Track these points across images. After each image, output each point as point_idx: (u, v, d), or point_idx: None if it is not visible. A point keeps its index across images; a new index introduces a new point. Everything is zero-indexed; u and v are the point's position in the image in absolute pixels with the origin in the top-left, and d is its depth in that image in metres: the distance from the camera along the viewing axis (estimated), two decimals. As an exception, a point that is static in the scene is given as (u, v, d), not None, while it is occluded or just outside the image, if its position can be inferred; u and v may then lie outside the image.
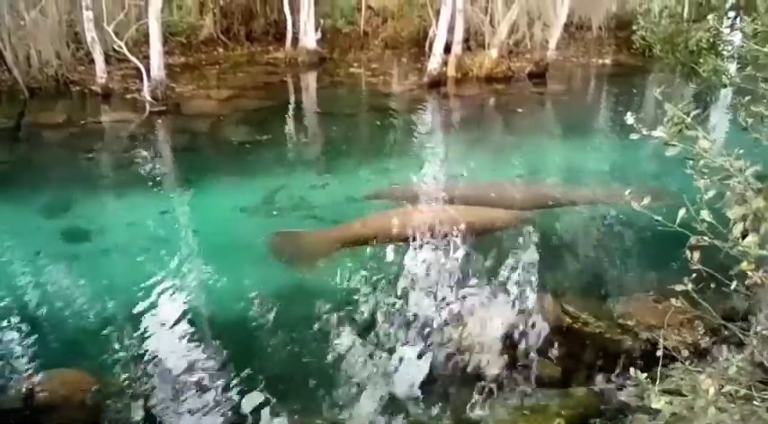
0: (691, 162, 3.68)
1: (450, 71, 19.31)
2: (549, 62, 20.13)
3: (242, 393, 6.65)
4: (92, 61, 17.36)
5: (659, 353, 4.21)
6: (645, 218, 3.96)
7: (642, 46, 8.03)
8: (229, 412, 6.45)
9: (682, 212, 3.62)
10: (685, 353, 4.62)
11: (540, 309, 7.98)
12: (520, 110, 17.40)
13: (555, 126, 16.67)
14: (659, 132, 3.61)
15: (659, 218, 3.75)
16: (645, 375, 3.60)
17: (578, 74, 21.50)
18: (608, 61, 22.29)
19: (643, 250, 9.42)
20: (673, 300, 4.05)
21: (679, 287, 3.93)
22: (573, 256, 9.59)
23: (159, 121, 15.73)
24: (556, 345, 7.45)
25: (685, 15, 10.85)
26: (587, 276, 9.13)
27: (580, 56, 22.67)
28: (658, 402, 3.37)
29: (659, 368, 3.82)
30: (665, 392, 3.74)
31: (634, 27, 7.94)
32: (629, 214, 9.96)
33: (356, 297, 8.35)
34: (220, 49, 22.16)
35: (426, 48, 20.49)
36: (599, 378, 6.90)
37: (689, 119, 3.58)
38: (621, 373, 6.89)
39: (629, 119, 3.74)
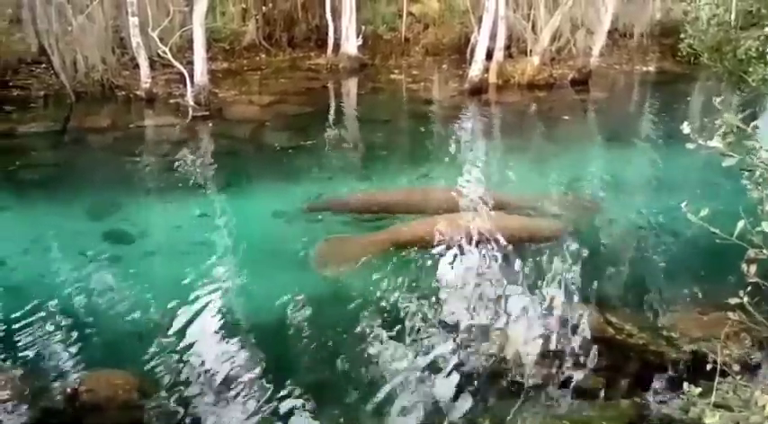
0: (747, 173, 3.62)
1: (492, 78, 19.20)
2: (592, 69, 19.89)
3: (284, 398, 6.66)
4: (136, 66, 17.60)
5: (709, 366, 4.13)
6: (691, 229, 3.90)
7: (688, 53, 7.91)
8: (271, 416, 6.46)
9: (741, 224, 3.54)
10: (735, 367, 4.54)
11: (583, 319, 7.88)
12: (566, 117, 17.24)
13: (601, 134, 16.49)
14: (715, 142, 3.54)
15: (716, 230, 3.68)
16: (699, 389, 3.54)
17: (622, 81, 21.27)
18: (652, 68, 22.01)
19: (688, 261, 9.24)
20: (730, 313, 3.96)
21: (734, 300, 3.85)
22: (615, 266, 9.44)
23: (202, 126, 15.88)
24: (599, 356, 7.36)
25: (733, 23, 10.69)
26: (630, 286, 8.97)
27: (624, 63, 22.40)
28: (713, 417, 3.30)
29: (715, 383, 3.74)
30: (714, 406, 3.66)
31: (681, 35, 7.83)
32: (672, 224, 9.80)
33: (399, 302, 8.31)
34: (262, 55, 22.32)
35: (467, 55, 20.35)
36: (642, 390, 6.79)
37: (749, 129, 3.51)
38: (666, 385, 6.77)
39: (686, 128, 3.67)
